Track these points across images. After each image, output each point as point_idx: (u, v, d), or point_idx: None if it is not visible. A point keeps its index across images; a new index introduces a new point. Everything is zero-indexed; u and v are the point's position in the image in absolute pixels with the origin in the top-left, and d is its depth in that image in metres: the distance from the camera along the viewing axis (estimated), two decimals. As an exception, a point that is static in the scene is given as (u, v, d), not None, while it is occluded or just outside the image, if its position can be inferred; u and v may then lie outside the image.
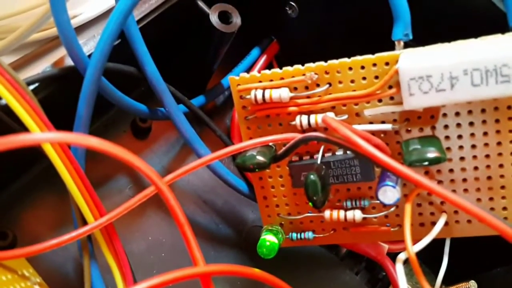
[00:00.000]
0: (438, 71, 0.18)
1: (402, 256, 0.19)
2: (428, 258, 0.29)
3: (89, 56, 0.21)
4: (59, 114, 0.19)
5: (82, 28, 0.26)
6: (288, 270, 0.22)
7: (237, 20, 0.24)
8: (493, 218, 0.16)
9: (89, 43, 0.22)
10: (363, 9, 0.26)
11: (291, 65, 0.21)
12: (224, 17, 0.24)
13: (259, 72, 0.22)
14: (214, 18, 0.24)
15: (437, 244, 0.25)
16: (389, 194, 0.19)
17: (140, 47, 0.21)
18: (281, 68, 0.21)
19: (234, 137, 0.28)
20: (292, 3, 0.27)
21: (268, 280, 0.19)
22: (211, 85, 0.28)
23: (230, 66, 0.28)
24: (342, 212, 0.22)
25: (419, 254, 0.28)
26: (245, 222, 0.27)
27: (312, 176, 0.20)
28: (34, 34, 0.23)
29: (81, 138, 0.15)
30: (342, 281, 0.28)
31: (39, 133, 0.17)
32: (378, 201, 0.22)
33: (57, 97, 0.21)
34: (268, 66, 0.29)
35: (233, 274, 0.18)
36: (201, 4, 0.24)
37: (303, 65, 0.21)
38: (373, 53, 0.20)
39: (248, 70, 0.28)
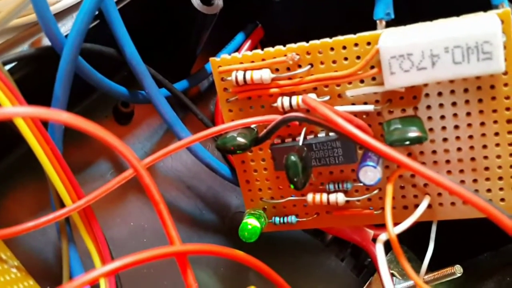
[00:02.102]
0: (419, 48, 0.18)
1: (383, 237, 0.19)
2: (415, 244, 0.29)
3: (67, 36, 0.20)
4: (37, 95, 0.19)
5: (63, 13, 0.26)
6: (272, 256, 0.22)
7: (219, 1, 0.24)
8: (479, 199, 0.16)
9: (67, 24, 0.21)
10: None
11: None
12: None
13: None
14: (195, 0, 0.23)
15: (423, 231, 0.25)
16: (370, 174, 0.19)
17: (119, 28, 0.21)
18: None
19: (218, 123, 0.28)
20: (277, -14, 0.27)
21: (249, 262, 0.18)
22: (195, 70, 0.27)
23: (214, 51, 0.28)
24: (325, 195, 0.22)
25: (405, 240, 0.28)
26: (229, 207, 0.27)
27: (292, 157, 0.19)
28: (14, 19, 0.23)
29: (52, 113, 0.15)
30: (328, 267, 0.28)
31: (10, 107, 0.17)
32: (361, 184, 0.22)
33: (35, 78, 0.20)
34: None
35: (210, 254, 0.17)
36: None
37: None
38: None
39: (232, 55, 0.28)
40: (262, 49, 0.29)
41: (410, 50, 0.18)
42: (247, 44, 0.28)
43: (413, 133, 0.18)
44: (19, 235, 0.19)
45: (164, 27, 0.26)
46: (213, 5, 0.24)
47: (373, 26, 0.20)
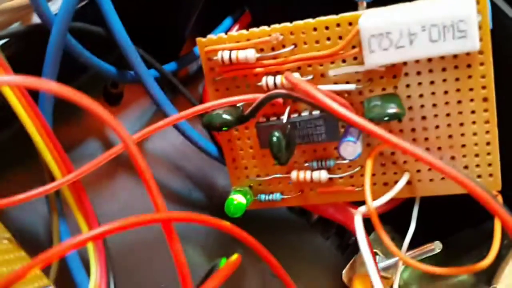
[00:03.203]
0: (397, 27, 0.18)
1: (362, 209, 0.19)
2: (398, 225, 0.29)
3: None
4: (27, 73, 0.19)
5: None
6: (257, 235, 0.23)
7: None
8: (460, 175, 0.16)
9: (57, 2, 0.22)
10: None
11: None
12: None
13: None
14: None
15: (406, 211, 0.25)
16: (350, 149, 0.20)
17: (107, 8, 0.22)
18: None
19: (206, 105, 0.28)
20: (263, -30, 0.28)
21: (234, 232, 0.19)
22: (183, 53, 0.28)
23: (202, 35, 0.28)
24: (308, 173, 0.23)
25: (388, 221, 0.28)
26: (217, 187, 0.28)
27: (276, 134, 0.20)
28: (6, 2, 0.23)
29: (40, 82, 0.15)
30: (313, 246, 0.28)
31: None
32: (343, 162, 0.22)
33: (25, 55, 0.21)
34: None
35: (195, 222, 0.18)
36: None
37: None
38: None
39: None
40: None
41: (389, 29, 0.19)
42: (234, 29, 0.29)
43: (392, 109, 0.19)
44: (10, 207, 0.20)
45: (151, 10, 0.26)
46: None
47: (355, 8, 0.21)
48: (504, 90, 0.20)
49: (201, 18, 0.27)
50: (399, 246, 0.28)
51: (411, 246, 0.25)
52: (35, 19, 0.21)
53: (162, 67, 0.25)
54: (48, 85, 0.15)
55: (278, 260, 0.21)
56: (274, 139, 0.20)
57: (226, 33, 0.28)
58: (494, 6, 0.20)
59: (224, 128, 0.21)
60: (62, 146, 0.21)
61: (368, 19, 0.19)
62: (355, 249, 0.29)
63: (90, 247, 0.22)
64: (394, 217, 0.25)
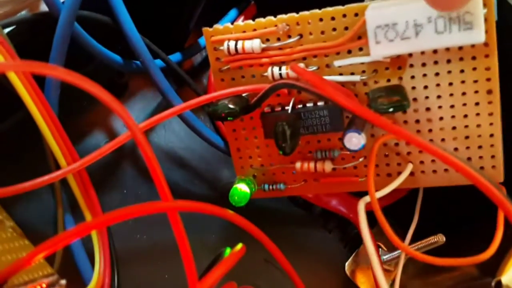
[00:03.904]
0: (403, 18, 0.19)
1: (366, 198, 0.20)
2: (401, 218, 0.29)
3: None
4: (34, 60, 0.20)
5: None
6: (260, 226, 0.23)
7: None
8: (465, 165, 0.17)
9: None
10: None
11: None
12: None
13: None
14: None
15: (409, 205, 0.25)
16: (354, 140, 0.20)
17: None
18: None
19: (211, 96, 0.29)
20: (269, -38, 0.28)
21: (238, 221, 0.19)
22: (188, 44, 0.28)
23: (208, 27, 0.28)
24: (312, 163, 0.23)
25: (391, 215, 0.28)
26: (221, 178, 0.28)
27: (281, 124, 0.20)
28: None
29: (48, 67, 0.16)
30: (315, 238, 0.29)
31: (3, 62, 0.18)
32: (347, 152, 0.23)
33: (32, 42, 0.21)
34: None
35: (200, 211, 0.18)
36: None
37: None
38: None
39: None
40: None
41: (395, 20, 0.19)
42: (240, 20, 0.29)
43: (397, 101, 0.19)
44: (15, 196, 0.20)
45: (157, 1, 0.26)
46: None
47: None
48: (508, 83, 0.20)
49: (206, 9, 0.27)
50: (402, 238, 0.28)
51: (414, 239, 0.25)
52: (43, 7, 0.21)
53: (168, 57, 0.25)
54: (55, 70, 0.15)
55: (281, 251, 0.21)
56: (279, 129, 0.20)
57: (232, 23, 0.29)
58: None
59: (229, 118, 0.21)
60: (68, 137, 0.21)
61: (374, 10, 0.19)
62: (358, 241, 0.29)
63: (94, 236, 0.22)
64: (397, 211, 0.26)
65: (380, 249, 0.28)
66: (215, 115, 0.21)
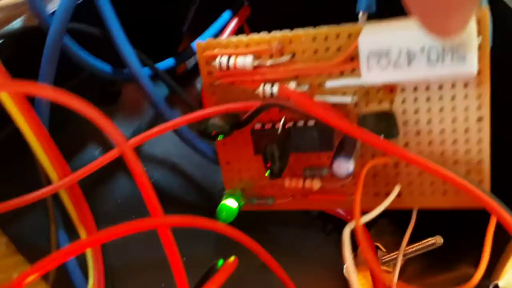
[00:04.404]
0: (397, 46, 0.18)
1: (351, 225, 0.20)
2: (398, 217, 0.29)
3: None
4: (23, 74, 0.19)
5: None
6: (256, 230, 0.23)
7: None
8: (476, 189, 0.17)
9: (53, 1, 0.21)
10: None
11: (263, 28, 0.22)
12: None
13: (230, 35, 0.22)
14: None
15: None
16: (343, 167, 0.20)
17: (105, 9, 0.21)
18: (252, 32, 0.22)
19: (205, 100, 0.28)
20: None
21: (230, 234, 0.20)
22: (182, 47, 0.28)
23: (201, 29, 0.28)
24: (300, 180, 0.23)
25: (388, 213, 0.28)
26: (215, 186, 0.28)
27: (270, 146, 0.20)
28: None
29: (37, 87, 0.16)
30: (313, 240, 0.28)
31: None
32: (335, 171, 0.23)
33: (21, 56, 0.21)
34: (239, 29, 0.29)
35: (190, 226, 0.18)
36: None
37: (272, 30, 0.21)
38: (340, 18, 0.20)
39: (219, 33, 0.28)
40: (249, 28, 0.30)
41: (388, 48, 0.18)
42: (233, 22, 0.29)
43: (386, 131, 0.19)
44: (8, 212, 0.20)
45: (149, 5, 0.26)
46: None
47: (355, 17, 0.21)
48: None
49: (199, 11, 0.27)
50: (399, 239, 0.28)
51: (412, 239, 0.25)
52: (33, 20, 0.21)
53: (159, 69, 0.24)
54: (42, 90, 0.15)
55: (278, 256, 0.21)
56: (268, 151, 0.20)
57: (225, 26, 0.29)
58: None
59: (219, 137, 0.21)
60: (60, 149, 0.21)
61: (368, 37, 0.19)
62: (356, 244, 0.30)
63: (88, 252, 0.22)
64: (394, 211, 0.26)
65: (378, 250, 0.28)
66: (205, 134, 0.21)
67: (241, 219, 0.23)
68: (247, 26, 0.30)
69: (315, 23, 0.24)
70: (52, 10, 0.21)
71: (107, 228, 0.16)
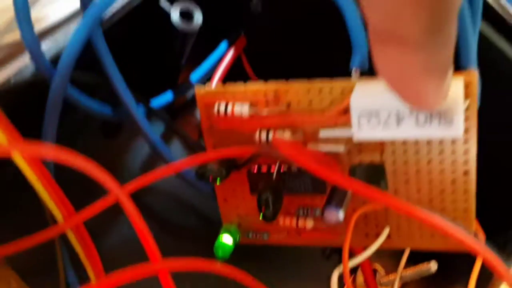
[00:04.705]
0: (386, 109, 0.19)
1: (339, 268, 0.21)
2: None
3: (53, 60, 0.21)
4: (27, 120, 0.20)
5: (51, 30, 0.26)
6: (256, 252, 0.24)
7: (198, 18, 0.24)
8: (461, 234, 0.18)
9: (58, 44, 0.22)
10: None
11: (259, 58, 0.22)
12: (186, 15, 0.24)
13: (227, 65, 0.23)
14: (175, 17, 0.24)
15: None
16: (333, 216, 0.21)
17: (105, 57, 0.22)
18: (249, 63, 0.22)
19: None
20: (255, -2, 0.28)
21: (229, 274, 0.21)
22: (181, 78, 0.28)
23: (199, 58, 0.29)
24: (294, 219, 0.24)
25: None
26: (216, 217, 0.28)
27: (264, 192, 0.21)
28: (6, 35, 0.24)
29: (33, 149, 0.17)
30: (312, 263, 0.29)
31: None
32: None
33: (22, 104, 0.21)
34: (237, 59, 0.30)
35: (191, 269, 0.19)
36: (163, 2, 0.24)
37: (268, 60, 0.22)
38: (331, 53, 0.21)
39: (217, 64, 0.29)
40: (246, 57, 0.31)
41: (378, 109, 0.19)
42: (231, 52, 0.29)
43: (375, 185, 0.20)
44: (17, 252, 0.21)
45: (148, 42, 0.26)
46: (193, 23, 0.24)
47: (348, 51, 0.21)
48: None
49: (197, 43, 0.27)
50: (398, 259, 0.29)
51: (411, 260, 0.26)
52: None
53: (157, 109, 0.25)
54: (40, 151, 0.16)
55: (278, 280, 0.22)
56: (263, 198, 0.21)
57: (222, 57, 0.29)
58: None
59: (217, 181, 0.22)
60: (64, 185, 0.22)
61: (359, 97, 0.19)
62: (356, 267, 0.31)
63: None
64: None
65: (376, 272, 0.30)
66: (203, 177, 0.22)
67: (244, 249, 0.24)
68: (244, 55, 0.30)
69: (309, 54, 0.25)
70: (56, 52, 0.22)
71: (108, 275, 0.17)
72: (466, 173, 0.21)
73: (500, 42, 0.23)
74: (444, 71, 0.14)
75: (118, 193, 0.19)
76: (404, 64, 0.14)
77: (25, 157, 0.21)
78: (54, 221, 0.22)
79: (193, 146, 0.26)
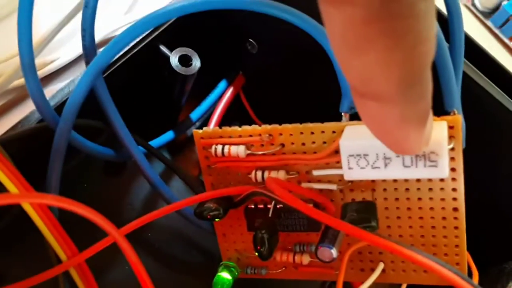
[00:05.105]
0: (374, 151, 0.20)
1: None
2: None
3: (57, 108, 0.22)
4: (32, 166, 0.21)
5: (61, 71, 0.28)
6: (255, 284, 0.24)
7: (196, 62, 0.26)
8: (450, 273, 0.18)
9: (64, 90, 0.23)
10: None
11: (257, 95, 0.23)
12: (185, 59, 0.25)
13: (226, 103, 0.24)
14: (174, 62, 0.25)
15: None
16: (327, 254, 0.21)
17: (108, 104, 0.23)
18: (247, 100, 0.23)
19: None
20: (251, 41, 0.29)
21: None
22: (182, 116, 0.29)
23: (200, 97, 0.30)
24: (291, 255, 0.25)
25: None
26: (217, 253, 0.29)
27: (260, 232, 0.22)
28: (15, 80, 0.25)
29: (38, 198, 0.18)
30: None
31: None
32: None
33: (29, 151, 0.22)
34: (236, 97, 0.31)
35: None
36: (163, 49, 0.26)
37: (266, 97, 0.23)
38: (324, 96, 0.22)
39: (216, 102, 0.30)
40: (244, 95, 0.32)
41: (366, 152, 0.20)
42: (229, 91, 0.30)
43: (366, 222, 0.21)
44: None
45: (148, 85, 0.27)
46: (191, 66, 0.25)
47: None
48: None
49: (197, 82, 0.28)
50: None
51: None
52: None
53: (156, 150, 0.26)
54: (42, 199, 0.17)
55: None
56: (259, 236, 0.22)
57: (222, 95, 0.30)
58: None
59: (215, 220, 0.23)
60: (67, 222, 0.23)
61: (348, 141, 0.20)
62: None
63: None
64: None
65: None
66: (201, 216, 0.23)
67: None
68: (242, 93, 0.31)
69: (305, 90, 0.25)
70: (63, 97, 0.23)
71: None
72: (455, 209, 0.22)
73: (482, 80, 0.24)
74: (423, 120, 0.15)
75: (115, 235, 0.20)
76: (383, 116, 0.14)
77: (33, 205, 0.22)
78: (58, 260, 0.23)
79: (192, 185, 0.27)
